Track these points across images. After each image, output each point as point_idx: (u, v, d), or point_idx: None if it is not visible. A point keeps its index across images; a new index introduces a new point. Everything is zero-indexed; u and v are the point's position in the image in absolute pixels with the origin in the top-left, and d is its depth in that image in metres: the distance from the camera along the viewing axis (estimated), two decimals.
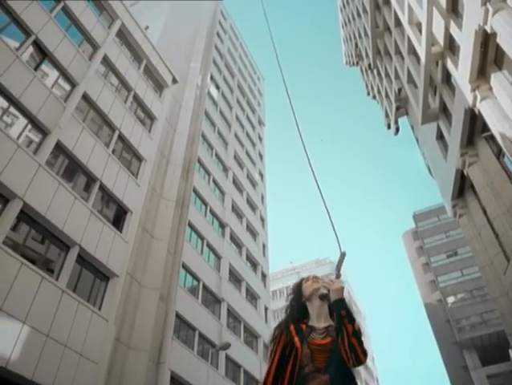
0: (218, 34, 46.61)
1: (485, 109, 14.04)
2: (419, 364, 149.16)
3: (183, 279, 23.67)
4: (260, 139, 47.64)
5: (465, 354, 47.98)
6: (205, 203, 29.29)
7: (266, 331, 31.15)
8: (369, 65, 33.31)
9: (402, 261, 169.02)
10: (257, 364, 27.89)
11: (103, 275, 15.89)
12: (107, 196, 17.83)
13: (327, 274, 61.32)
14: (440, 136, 20.98)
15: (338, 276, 2.96)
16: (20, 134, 14.61)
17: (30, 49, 16.29)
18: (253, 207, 37.75)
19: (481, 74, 14.19)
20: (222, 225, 30.73)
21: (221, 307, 26.27)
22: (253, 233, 35.88)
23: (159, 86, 25.64)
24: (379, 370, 71.93)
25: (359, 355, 2.55)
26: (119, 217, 18.18)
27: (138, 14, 33.65)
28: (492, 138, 15.38)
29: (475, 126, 16.22)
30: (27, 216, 13.48)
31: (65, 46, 17.77)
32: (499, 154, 15.47)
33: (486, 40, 13.30)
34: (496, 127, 13.64)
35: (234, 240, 31.81)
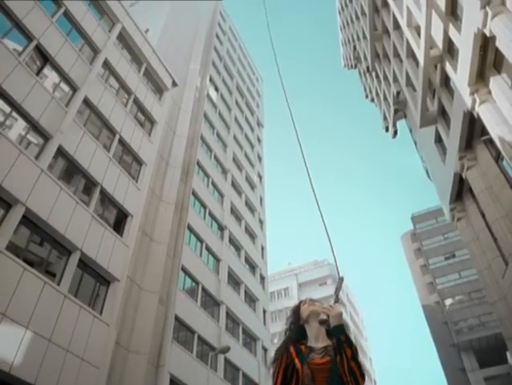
0: (217, 36, 46.67)
1: (484, 113, 14.03)
2: (417, 366, 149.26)
3: (182, 282, 23.70)
4: (259, 140, 47.68)
5: (462, 356, 47.98)
6: (204, 205, 29.30)
7: (264, 334, 31.17)
8: (367, 68, 33.37)
9: (400, 263, 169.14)
10: (255, 367, 27.89)
11: (103, 279, 15.99)
12: (107, 201, 17.92)
13: (325, 276, 61.45)
14: (438, 140, 20.97)
15: (336, 300, 3.06)
16: (22, 139, 14.72)
17: (32, 53, 16.34)
18: (251, 209, 37.77)
19: (480, 77, 14.19)
20: (221, 228, 30.74)
21: (220, 310, 26.30)
22: (252, 236, 35.91)
23: (159, 89, 25.70)
24: (377, 372, 71.87)
25: (358, 379, 2.66)
26: (119, 221, 18.26)
27: (137, 14, 33.66)
28: (491, 141, 15.37)
29: (474, 129, 16.21)
30: (29, 221, 13.56)
31: (66, 51, 17.86)
32: (498, 158, 15.46)
33: (485, 43, 13.29)
34: (495, 130, 13.62)
35: (233, 242, 31.82)
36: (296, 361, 2.87)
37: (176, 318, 21.57)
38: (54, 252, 14.43)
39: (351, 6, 36.29)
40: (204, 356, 22.95)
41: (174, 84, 27.15)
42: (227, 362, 24.82)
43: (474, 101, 14.30)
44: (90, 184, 17.09)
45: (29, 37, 16.09)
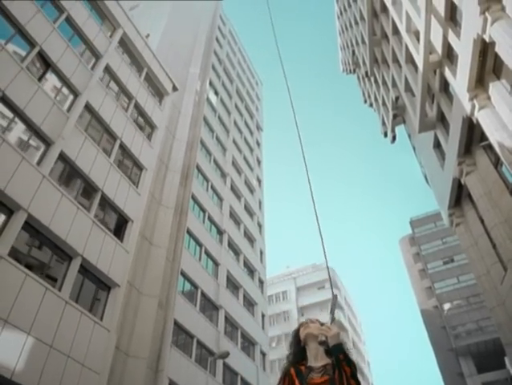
0: (217, 39, 46.76)
1: (484, 118, 14.06)
2: (415, 370, 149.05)
3: (181, 286, 23.68)
4: (258, 144, 47.74)
5: (460, 360, 47.97)
6: (203, 209, 29.30)
7: (263, 338, 31.16)
8: (366, 73, 33.42)
9: (399, 267, 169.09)
10: (254, 371, 27.86)
11: (104, 285, 16.04)
12: (108, 206, 17.98)
13: (323, 279, 61.28)
14: (437, 145, 20.99)
15: (333, 319, 3.39)
16: (24, 145, 14.78)
17: (34, 59, 16.41)
18: (250, 213, 37.79)
19: (480, 83, 14.23)
20: (220, 232, 30.74)
21: (218, 314, 26.28)
22: (251, 240, 35.93)
23: (159, 93, 25.77)
24: (375, 376, 71.78)
25: None
26: (119, 226, 18.32)
27: (137, 18, 33.69)
28: (490, 147, 15.39)
29: (473, 135, 16.23)
30: (31, 227, 13.61)
31: (68, 56, 17.94)
32: (497, 163, 15.47)
33: (485, 49, 13.33)
34: (494, 136, 13.64)
35: (232, 246, 31.83)
36: (296, 383, 2.99)
37: (175, 323, 21.58)
38: (56, 257, 14.49)
39: (350, 11, 36.34)
40: (202, 360, 22.95)
41: (174, 89, 27.23)
42: (226, 366, 24.81)
43: (473, 106, 14.33)
44: (91, 190, 17.16)
45: (31, 43, 16.20)
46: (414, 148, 29.91)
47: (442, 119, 19.14)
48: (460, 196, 19.30)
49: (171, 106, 28.11)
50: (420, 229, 60.50)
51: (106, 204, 17.80)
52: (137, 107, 22.68)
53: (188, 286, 24.62)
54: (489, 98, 13.91)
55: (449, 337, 49.30)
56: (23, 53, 15.94)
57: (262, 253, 37.07)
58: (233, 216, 33.83)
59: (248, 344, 29.41)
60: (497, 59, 13.21)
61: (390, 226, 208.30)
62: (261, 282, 34.77)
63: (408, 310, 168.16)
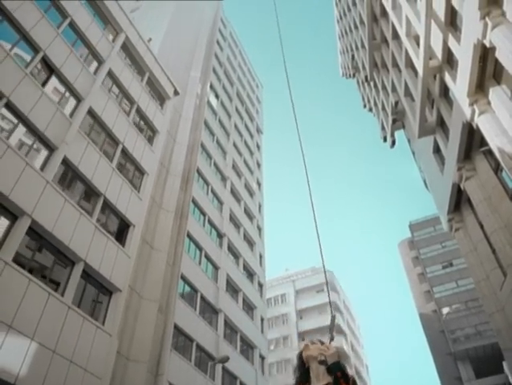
0: (218, 42, 46.82)
1: (484, 123, 14.02)
2: (413, 374, 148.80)
3: (181, 290, 23.64)
4: (258, 147, 47.79)
5: (459, 365, 47.92)
6: (203, 213, 29.30)
7: (262, 342, 31.15)
8: (366, 77, 33.41)
9: (398, 270, 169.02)
10: (253, 375, 27.84)
11: (106, 290, 16.14)
12: (110, 211, 18.06)
13: (322, 282, 61.18)
14: (436, 150, 20.95)
15: (332, 339, 3.41)
16: (28, 151, 14.84)
17: (38, 64, 16.52)
18: (250, 216, 37.81)
19: (480, 88, 14.20)
20: (220, 235, 30.76)
21: (218, 318, 26.27)
22: (251, 243, 35.95)
23: (160, 98, 25.84)
24: (373, 381, 71.64)
25: None
26: (121, 231, 18.41)
27: (138, 20, 33.69)
28: (490, 152, 15.34)
29: (473, 140, 16.18)
30: (35, 232, 13.69)
31: (71, 62, 18.03)
32: (497, 169, 15.42)
33: (485, 54, 13.30)
34: (494, 141, 13.60)
35: (232, 250, 31.85)
36: None
37: (175, 326, 21.60)
38: (58, 263, 14.57)
39: (349, 15, 36.35)
40: (202, 364, 22.95)
41: (176, 93, 27.31)
42: (225, 370, 24.84)
43: (473, 112, 14.29)
44: (93, 195, 17.24)
45: (35, 48, 16.29)
46: (414, 153, 29.89)
47: (442, 124, 19.10)
48: (459, 201, 19.24)
49: (172, 110, 28.11)
50: (420, 233, 60.55)
51: (108, 208, 17.88)
52: (139, 111, 22.75)
53: (188, 290, 24.59)
54: (489, 103, 13.87)
55: (448, 341, 49.28)
56: (27, 56, 16.01)
57: (261, 256, 37.12)
58: (233, 219, 33.85)
59: (247, 348, 29.39)
60: (497, 64, 13.18)
61: (389, 229, 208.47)
62: (260, 286, 34.79)
63: (406, 314, 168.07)
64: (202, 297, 25.41)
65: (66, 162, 16.00)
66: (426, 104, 19.37)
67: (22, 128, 14.77)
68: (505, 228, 14.88)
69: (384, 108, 32.23)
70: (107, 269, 16.03)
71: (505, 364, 27.18)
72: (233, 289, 30.05)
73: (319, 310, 57.76)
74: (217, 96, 40.54)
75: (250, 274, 33.93)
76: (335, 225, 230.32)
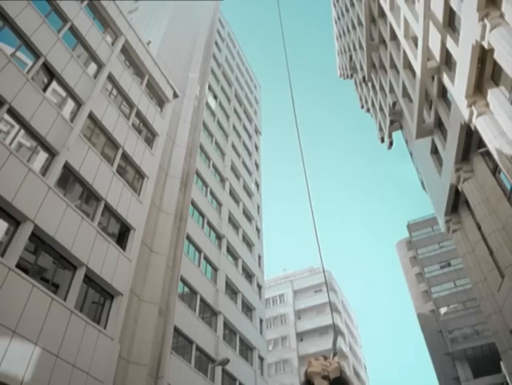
0: (216, 43, 46.83)
1: (482, 125, 14.06)
2: (411, 374, 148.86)
3: (180, 292, 23.58)
4: (256, 148, 47.83)
5: (457, 365, 48.05)
6: (202, 215, 29.34)
7: (261, 343, 31.17)
8: (363, 78, 33.39)
9: (396, 270, 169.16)
10: (252, 377, 27.88)
11: (107, 294, 16.20)
12: (111, 215, 18.11)
13: (320, 283, 61.23)
14: (434, 151, 20.97)
15: (335, 354, 3.51)
16: (30, 156, 14.90)
17: (39, 69, 16.54)
18: (249, 218, 37.87)
19: (478, 89, 14.26)
20: (219, 237, 30.80)
21: (217, 320, 26.30)
22: (249, 244, 36.01)
23: (160, 101, 25.88)
24: (372, 380, 71.67)
25: None
26: (122, 235, 18.48)
27: (136, 21, 33.66)
28: (488, 154, 15.38)
29: (471, 141, 16.22)
30: (37, 238, 13.76)
31: (72, 66, 18.05)
32: (495, 170, 15.43)
33: (483, 56, 13.37)
34: (492, 143, 13.65)
35: (231, 251, 31.91)
36: None
37: (175, 328, 21.62)
38: (61, 267, 14.65)
39: (347, 16, 36.37)
40: (202, 366, 23.01)
41: (175, 96, 27.34)
42: (224, 372, 24.93)
43: (472, 113, 14.33)
44: (94, 199, 17.29)
45: (37, 54, 16.32)
46: (411, 154, 29.91)
47: (440, 125, 19.11)
48: (457, 202, 19.26)
49: (171, 112, 28.05)
50: (417, 233, 60.68)
51: (109, 213, 17.94)
52: (139, 114, 22.79)
53: (187, 292, 24.57)
54: (487, 105, 13.92)
55: (446, 341, 49.41)
56: (27, 61, 16.04)
57: (260, 257, 37.19)
58: (231, 221, 33.88)
59: (246, 349, 29.43)
60: (495, 66, 13.25)
61: (387, 229, 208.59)
62: (259, 287, 34.85)
63: (405, 314, 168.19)
64: (202, 299, 25.46)
65: (67, 167, 16.05)
66: (424, 105, 19.37)
67: (23, 134, 14.82)
68: (502, 229, 14.89)
69: (381, 109, 32.26)
70: (109, 273, 16.09)
71: (502, 364, 27.23)
72: (232, 290, 30.10)
73: (318, 311, 57.82)
74: (215, 97, 40.57)
75: (249, 276, 33.97)
76: (333, 226, 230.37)
